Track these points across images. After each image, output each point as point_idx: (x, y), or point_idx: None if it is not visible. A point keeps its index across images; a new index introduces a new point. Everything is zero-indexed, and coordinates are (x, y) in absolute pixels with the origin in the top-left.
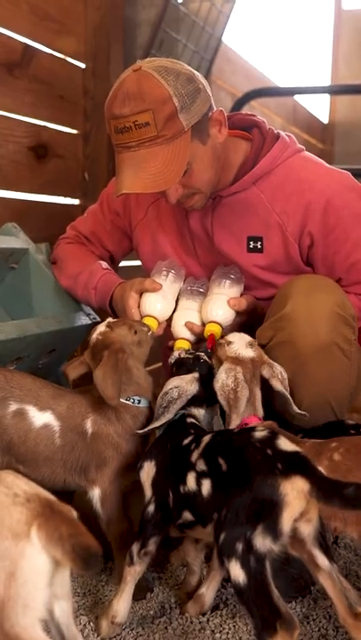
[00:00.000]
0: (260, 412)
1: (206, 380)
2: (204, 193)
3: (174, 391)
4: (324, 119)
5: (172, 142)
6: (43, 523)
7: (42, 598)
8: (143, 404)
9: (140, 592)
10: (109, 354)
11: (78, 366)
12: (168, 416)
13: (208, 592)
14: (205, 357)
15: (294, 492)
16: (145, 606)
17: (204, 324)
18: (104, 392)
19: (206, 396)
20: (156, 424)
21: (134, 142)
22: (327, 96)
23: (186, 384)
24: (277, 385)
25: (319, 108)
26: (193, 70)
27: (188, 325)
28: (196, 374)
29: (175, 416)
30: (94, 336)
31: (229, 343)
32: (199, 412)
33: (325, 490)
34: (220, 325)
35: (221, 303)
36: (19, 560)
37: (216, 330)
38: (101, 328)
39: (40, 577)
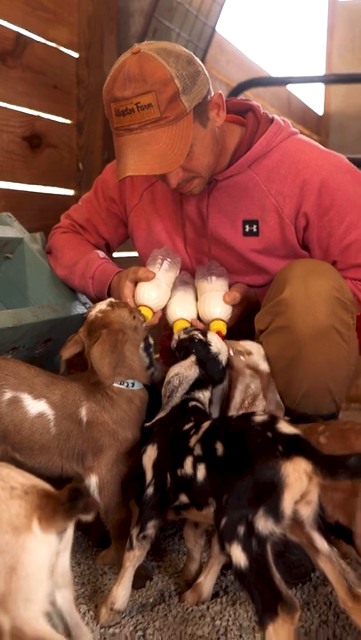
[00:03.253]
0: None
1: (205, 360)
2: (204, 177)
3: (175, 379)
4: (319, 110)
5: (175, 124)
6: (42, 514)
7: (44, 591)
8: (137, 386)
9: (140, 580)
10: (108, 332)
11: (72, 346)
12: (173, 403)
13: (207, 581)
14: (200, 336)
15: (296, 473)
16: (144, 594)
17: (199, 319)
18: (100, 370)
19: (208, 377)
20: (162, 414)
21: (136, 124)
22: (322, 87)
23: (185, 370)
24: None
25: (314, 99)
26: (191, 53)
27: (194, 323)
28: (193, 357)
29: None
30: (93, 313)
31: (249, 353)
32: (204, 395)
33: (329, 466)
34: (224, 321)
35: (217, 300)
36: (20, 554)
37: (222, 326)
38: (102, 306)
39: (42, 570)
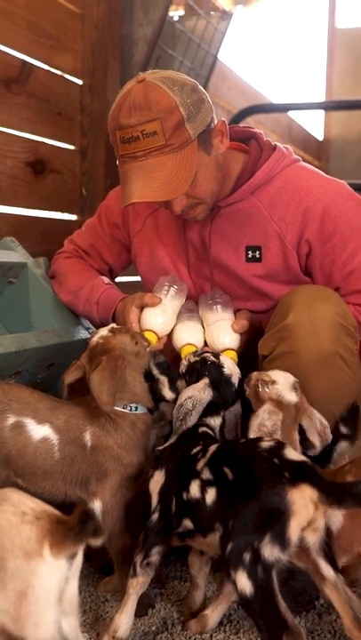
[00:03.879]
0: (298, 448)
1: (218, 382)
2: (208, 203)
3: (188, 402)
4: (320, 136)
5: (180, 151)
6: (53, 540)
7: (53, 617)
8: (140, 410)
9: (142, 608)
10: (108, 359)
11: (74, 371)
12: (186, 427)
13: (213, 615)
14: (212, 358)
15: (302, 500)
16: (147, 622)
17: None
18: (98, 397)
19: (221, 400)
20: (175, 437)
21: (141, 152)
22: (322, 114)
23: (199, 392)
24: (314, 438)
25: (314, 125)
26: (195, 81)
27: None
28: (206, 380)
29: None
30: (95, 339)
31: (273, 383)
32: (215, 422)
33: (335, 494)
34: (235, 350)
35: (226, 329)
36: (31, 579)
37: (233, 356)
38: (103, 332)
39: (51, 595)
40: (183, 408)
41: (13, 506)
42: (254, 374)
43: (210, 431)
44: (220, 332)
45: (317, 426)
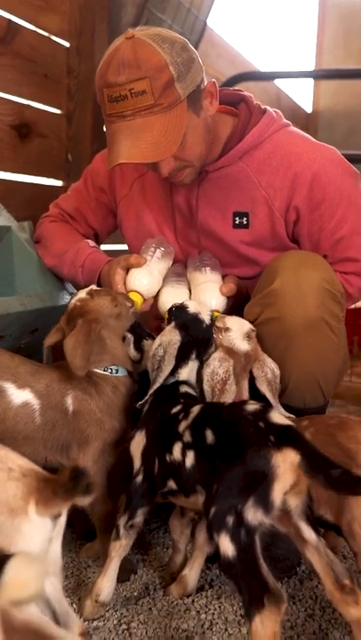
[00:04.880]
0: (246, 396)
1: (184, 321)
2: (195, 166)
3: (159, 349)
4: (308, 108)
5: (169, 111)
6: (40, 497)
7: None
8: (121, 372)
9: (124, 573)
10: (83, 323)
11: (54, 333)
12: (164, 374)
13: (191, 573)
14: (177, 304)
15: (286, 464)
16: (129, 588)
17: None
18: (72, 361)
19: (192, 339)
20: (155, 387)
21: (130, 111)
22: (311, 85)
23: (166, 335)
24: (263, 387)
25: (303, 96)
26: (185, 39)
27: None
28: (172, 323)
29: (167, 382)
30: (73, 301)
31: (227, 330)
32: (192, 369)
33: (314, 465)
34: (219, 312)
35: (213, 291)
36: (14, 536)
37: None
38: (82, 294)
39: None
40: (156, 357)
41: (0, 462)
42: (217, 318)
43: (191, 390)
44: (207, 293)
45: (268, 375)
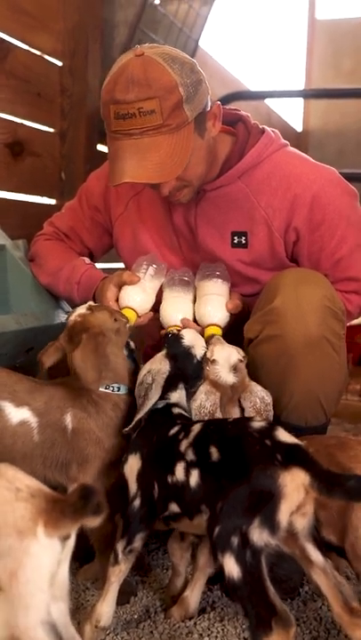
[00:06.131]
0: None
1: (175, 353)
2: (194, 186)
3: (148, 377)
4: (298, 127)
5: (177, 133)
6: (48, 518)
7: (44, 599)
8: (122, 390)
9: (124, 596)
10: (89, 337)
11: (53, 353)
12: (150, 403)
13: (193, 595)
14: (174, 330)
15: (293, 483)
16: (129, 610)
17: (195, 319)
18: (84, 376)
19: (179, 372)
20: (141, 414)
21: (137, 130)
22: (301, 105)
23: (156, 364)
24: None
25: (293, 115)
26: (193, 60)
27: (184, 322)
28: (164, 351)
29: (158, 406)
30: (72, 318)
31: (213, 362)
32: (180, 396)
33: (326, 482)
34: (220, 327)
35: (219, 305)
36: (22, 558)
37: (217, 332)
38: (81, 310)
39: (43, 577)
40: (144, 384)
41: (8, 482)
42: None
43: (183, 411)
44: (213, 305)
45: (257, 404)
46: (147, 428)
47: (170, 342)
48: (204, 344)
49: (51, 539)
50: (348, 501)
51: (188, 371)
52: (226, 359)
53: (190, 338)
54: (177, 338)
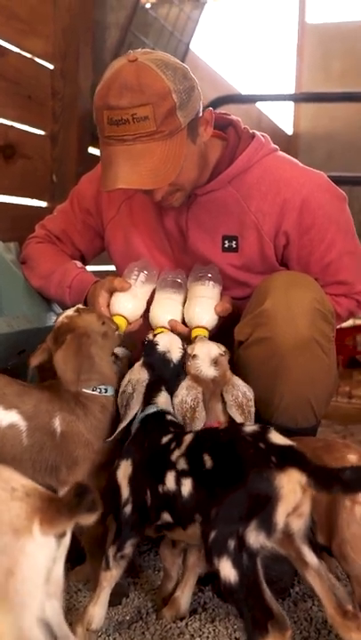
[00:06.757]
0: (222, 418)
1: (152, 361)
2: (186, 190)
3: (128, 386)
4: (289, 130)
5: (170, 139)
6: (44, 517)
7: (40, 597)
8: (110, 392)
9: (116, 597)
10: (72, 337)
11: (41, 353)
12: (132, 412)
13: (184, 595)
14: (150, 337)
15: (290, 484)
16: (121, 612)
17: (184, 321)
18: (63, 376)
19: (158, 378)
20: (124, 424)
21: (130, 136)
22: (291, 108)
23: (134, 374)
24: (233, 411)
25: (283, 119)
26: (186, 66)
27: (172, 324)
28: (141, 360)
29: (149, 412)
30: (60, 319)
31: (194, 357)
32: (166, 399)
33: (323, 479)
34: (207, 329)
35: (208, 307)
36: (18, 557)
37: (203, 334)
38: (69, 312)
39: (39, 575)
40: (125, 394)
41: (3, 481)
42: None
43: (175, 418)
44: (202, 308)
45: (238, 398)
46: (139, 435)
47: (146, 350)
48: (180, 345)
49: (46, 537)
50: (347, 494)
51: (166, 375)
52: (206, 353)
53: (165, 342)
54: (152, 345)
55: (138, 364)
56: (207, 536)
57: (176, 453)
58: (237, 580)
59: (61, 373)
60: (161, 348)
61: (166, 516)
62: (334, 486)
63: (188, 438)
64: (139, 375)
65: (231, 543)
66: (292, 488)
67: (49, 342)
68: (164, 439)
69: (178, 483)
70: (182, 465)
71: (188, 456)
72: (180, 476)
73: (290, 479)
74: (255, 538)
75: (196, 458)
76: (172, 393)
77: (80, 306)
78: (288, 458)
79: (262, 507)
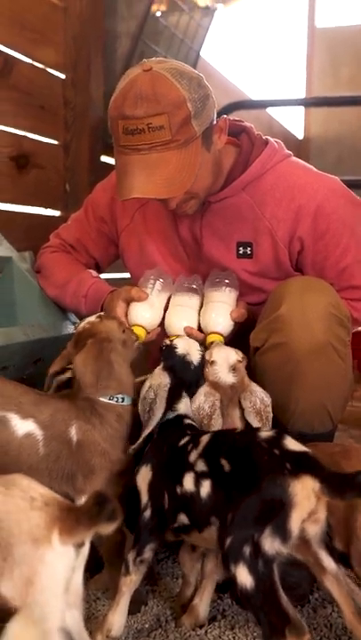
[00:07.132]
0: (239, 425)
1: (172, 364)
2: (200, 198)
3: (150, 392)
4: (300, 135)
5: (185, 148)
6: (63, 526)
7: (59, 607)
8: (127, 401)
9: (135, 605)
10: (94, 342)
11: (60, 360)
12: (155, 418)
13: (202, 603)
14: (167, 341)
15: (304, 491)
16: (140, 620)
17: (200, 327)
18: (82, 378)
19: (179, 382)
20: (147, 430)
21: (146, 145)
22: (302, 112)
23: (155, 379)
24: (251, 418)
25: (294, 123)
26: (200, 74)
27: (187, 330)
28: (160, 365)
29: (169, 417)
30: (81, 325)
31: (213, 363)
32: (186, 405)
33: (337, 485)
34: (222, 335)
35: (224, 313)
36: (37, 566)
37: (219, 340)
38: (91, 318)
39: (59, 584)
40: (147, 399)
41: (22, 491)
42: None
43: (193, 422)
44: (218, 313)
45: (257, 405)
46: (158, 440)
47: (165, 354)
48: (198, 347)
49: (65, 546)
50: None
51: (187, 378)
52: (225, 359)
53: (183, 345)
54: (171, 349)
55: (158, 369)
56: (223, 542)
57: (193, 455)
58: (253, 586)
59: (80, 376)
60: (180, 350)
61: (183, 518)
62: (348, 492)
63: (204, 439)
64: (160, 380)
65: (247, 549)
66: (306, 495)
67: (69, 348)
68: (182, 441)
69: (197, 484)
70: (201, 467)
71: (206, 457)
72: (199, 477)
73: (304, 486)
74: (271, 544)
75: (215, 460)
76: (191, 395)
77: (102, 313)
78: (302, 464)
79: (276, 513)
